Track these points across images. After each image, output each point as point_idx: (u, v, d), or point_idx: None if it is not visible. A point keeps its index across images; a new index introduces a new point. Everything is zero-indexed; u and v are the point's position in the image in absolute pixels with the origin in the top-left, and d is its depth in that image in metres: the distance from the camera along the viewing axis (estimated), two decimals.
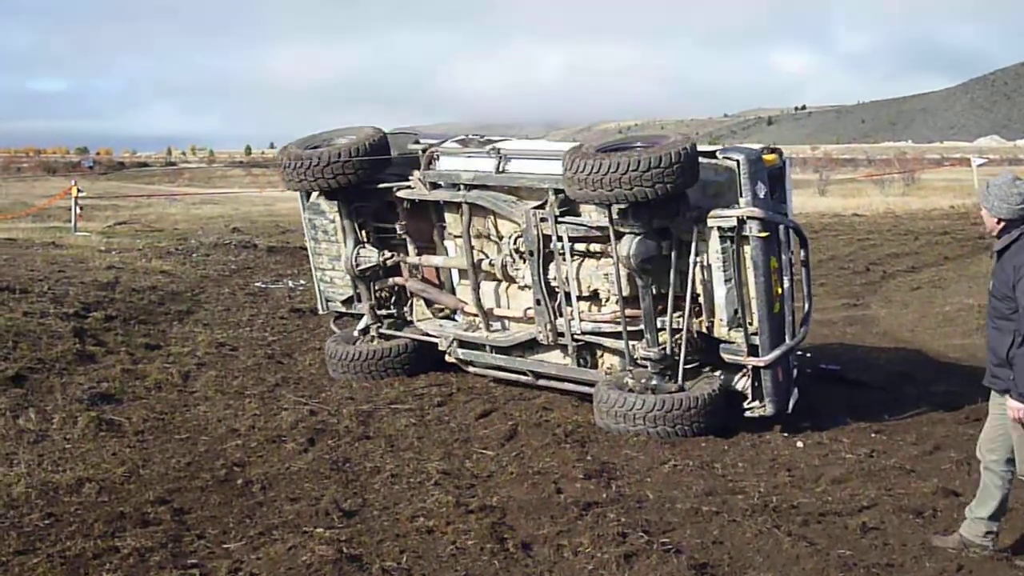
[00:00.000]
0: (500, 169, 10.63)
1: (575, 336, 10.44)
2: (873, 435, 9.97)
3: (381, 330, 11.98)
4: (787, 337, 9.76)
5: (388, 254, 11.66)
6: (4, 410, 9.88)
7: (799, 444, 9.59)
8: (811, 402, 11.18)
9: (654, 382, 9.81)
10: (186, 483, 8.30)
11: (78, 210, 27.30)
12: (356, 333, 12.03)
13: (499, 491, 8.20)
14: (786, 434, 9.87)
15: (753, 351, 9.63)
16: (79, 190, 27.97)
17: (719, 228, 9.40)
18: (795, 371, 10.30)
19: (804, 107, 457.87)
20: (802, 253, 9.97)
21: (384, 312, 12.07)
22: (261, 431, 9.75)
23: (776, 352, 9.57)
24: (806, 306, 10.10)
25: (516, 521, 7.53)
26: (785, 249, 9.62)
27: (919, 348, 14.08)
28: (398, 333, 11.91)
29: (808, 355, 13.58)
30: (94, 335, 13.07)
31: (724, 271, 9.52)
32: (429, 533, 7.27)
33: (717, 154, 9.64)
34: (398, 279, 11.90)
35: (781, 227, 9.58)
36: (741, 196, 9.33)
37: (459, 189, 10.83)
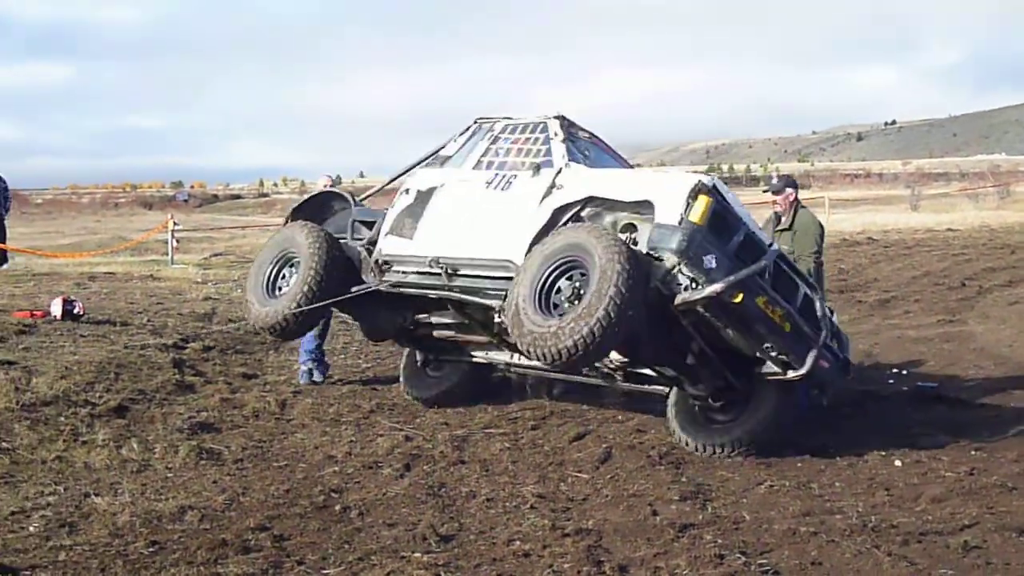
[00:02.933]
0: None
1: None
2: (973, 453, 9.84)
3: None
4: (818, 336, 9.37)
5: None
6: (108, 441, 10.08)
7: (897, 463, 9.49)
8: (908, 421, 11.10)
9: None
10: (285, 510, 8.41)
11: (174, 243, 27.82)
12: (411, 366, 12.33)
13: (594, 514, 8.21)
14: (883, 453, 9.78)
15: (786, 366, 9.42)
16: (175, 223, 28.51)
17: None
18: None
19: (894, 122, 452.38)
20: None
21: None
22: (357, 457, 9.86)
23: (809, 360, 9.25)
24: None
25: (612, 544, 7.54)
26: (768, 279, 9.23)
27: (1018, 364, 13.86)
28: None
29: (904, 373, 13.49)
30: (192, 365, 13.29)
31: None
32: (526, 556, 7.30)
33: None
34: None
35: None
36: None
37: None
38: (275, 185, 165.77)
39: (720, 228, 8.82)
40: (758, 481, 8.93)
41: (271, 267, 11.31)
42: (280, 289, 11.20)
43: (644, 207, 8.96)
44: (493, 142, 10.52)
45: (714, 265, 8.60)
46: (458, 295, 9.98)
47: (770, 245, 9.35)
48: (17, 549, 7.49)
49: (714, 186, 8.90)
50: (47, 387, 11.22)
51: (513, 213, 9.67)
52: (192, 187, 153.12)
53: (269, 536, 7.74)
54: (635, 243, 8.92)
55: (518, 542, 7.57)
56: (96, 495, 8.72)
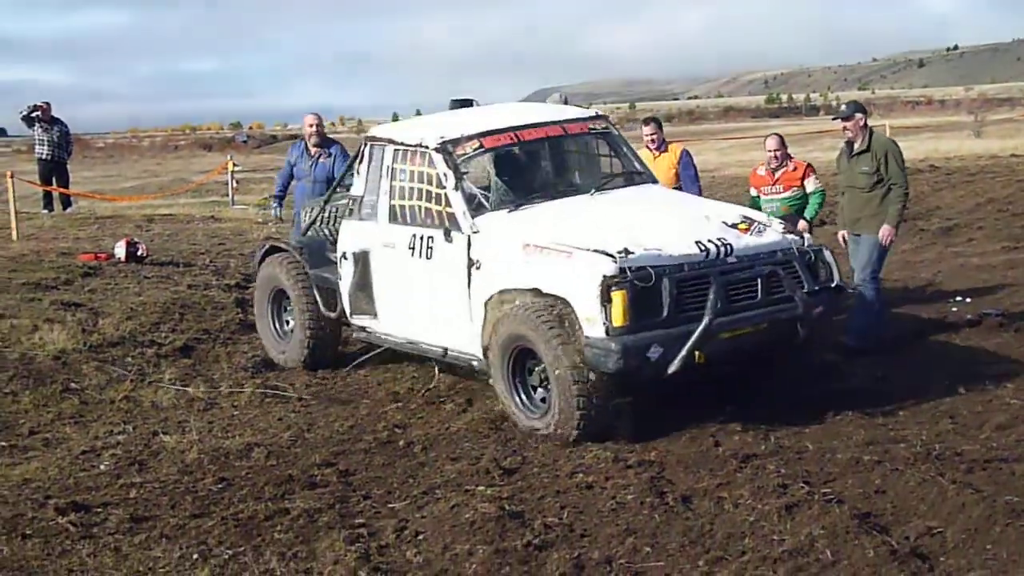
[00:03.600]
0: None
1: None
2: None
3: None
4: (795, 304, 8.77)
5: None
6: (175, 379, 10.24)
7: (961, 391, 9.41)
8: (972, 348, 11.00)
9: None
10: (350, 446, 8.52)
11: (234, 184, 27.98)
12: None
13: (657, 446, 8.24)
14: (947, 381, 9.70)
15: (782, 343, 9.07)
16: (235, 164, 28.63)
17: None
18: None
19: (956, 47, 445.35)
20: None
21: None
22: (419, 393, 9.95)
23: (802, 332, 8.82)
24: None
25: (675, 475, 7.57)
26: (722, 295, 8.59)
27: None
28: None
29: (968, 300, 13.34)
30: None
31: None
32: (588, 488, 7.35)
33: None
34: None
35: None
36: None
37: None
38: (332, 124, 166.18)
39: (648, 302, 8.22)
40: (821, 411, 8.89)
41: (269, 307, 11.27)
42: (288, 324, 11.20)
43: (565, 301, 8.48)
44: (392, 177, 9.89)
45: (660, 351, 8.15)
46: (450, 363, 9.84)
47: (707, 254, 8.57)
48: (89, 487, 7.66)
49: (621, 268, 8.17)
50: (113, 328, 11.42)
51: (449, 296, 9.30)
52: (251, 128, 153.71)
53: (335, 471, 7.85)
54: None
55: (581, 474, 7.62)
56: (164, 433, 8.89)
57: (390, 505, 7.20)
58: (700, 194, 11.91)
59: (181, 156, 63.35)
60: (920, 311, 12.94)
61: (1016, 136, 41.05)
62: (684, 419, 8.75)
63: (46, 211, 22.13)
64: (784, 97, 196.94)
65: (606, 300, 8.08)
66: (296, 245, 11.06)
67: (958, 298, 13.58)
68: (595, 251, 8.34)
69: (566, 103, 13.72)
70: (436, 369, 10.22)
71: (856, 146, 11.16)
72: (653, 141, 12.28)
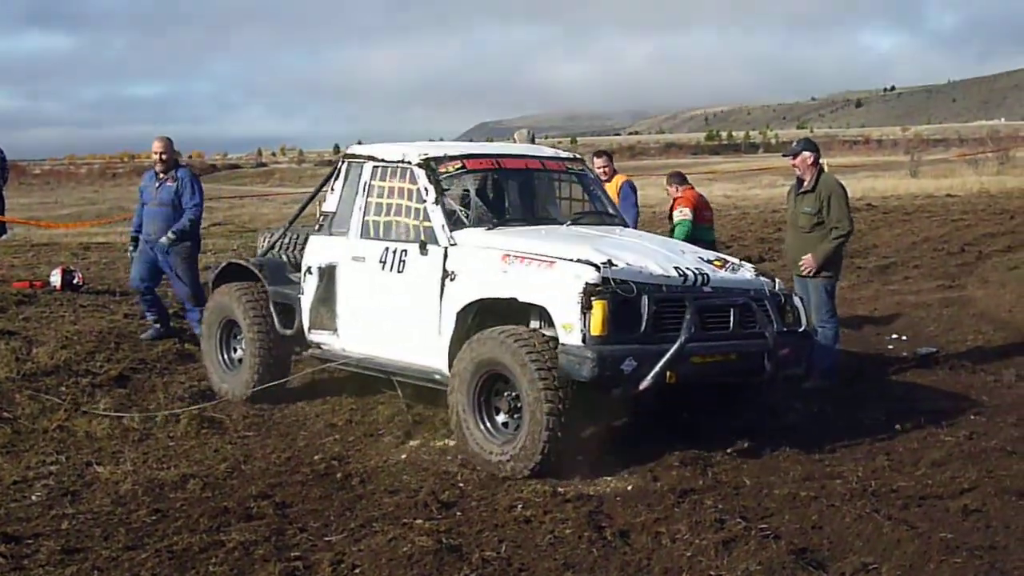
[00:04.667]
0: None
1: None
2: (973, 417, 9.88)
3: None
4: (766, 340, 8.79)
5: None
6: (110, 409, 10.11)
7: (897, 427, 9.50)
8: (908, 386, 11.13)
9: None
10: (287, 478, 8.43)
11: None
12: None
13: (595, 481, 8.23)
14: (883, 418, 9.80)
15: (750, 376, 9.12)
16: None
17: None
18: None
19: (893, 88, 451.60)
20: None
21: None
22: (358, 425, 9.88)
23: (768, 366, 8.78)
24: None
25: (613, 509, 7.57)
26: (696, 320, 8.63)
27: (1018, 329, 13.88)
28: None
29: (904, 338, 13.51)
30: (193, 335, 13.29)
31: None
32: (527, 523, 7.32)
33: None
34: None
35: None
36: None
37: None
38: (273, 155, 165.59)
39: (626, 316, 8.24)
40: (758, 447, 8.93)
41: (217, 336, 11.10)
42: (236, 353, 11.04)
43: (542, 310, 8.53)
44: (368, 193, 9.88)
45: (634, 364, 8.14)
46: (405, 380, 9.77)
47: (686, 280, 8.65)
48: (20, 518, 7.52)
49: (604, 278, 8.21)
50: (48, 357, 11.26)
51: (418, 309, 9.24)
52: (190, 156, 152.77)
53: (271, 503, 7.75)
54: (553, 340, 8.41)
55: (519, 508, 7.60)
56: (98, 464, 8.76)
57: (327, 538, 7.12)
58: (635, 223, 12.03)
59: (119, 184, 62.80)
60: (858, 348, 13.08)
61: (950, 176, 41.74)
62: (622, 454, 8.77)
63: None
64: (724, 134, 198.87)
65: (587, 308, 8.10)
66: (256, 263, 10.98)
67: (895, 335, 13.76)
68: (579, 261, 8.42)
69: (533, 140, 13.93)
70: (400, 392, 10.04)
71: (804, 185, 11.24)
72: (605, 173, 12.49)
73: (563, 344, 8.20)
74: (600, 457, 8.69)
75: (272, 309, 10.52)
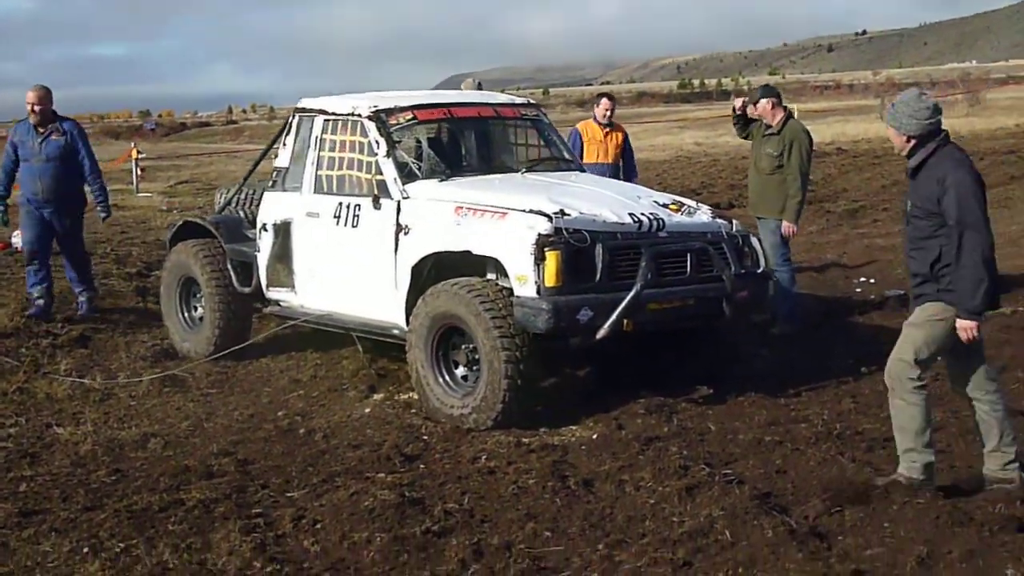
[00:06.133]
0: None
1: None
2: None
3: None
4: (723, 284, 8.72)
5: None
6: (70, 370, 10.01)
7: (863, 370, 9.47)
8: (875, 329, 11.10)
9: None
10: (249, 435, 8.38)
11: (139, 172, 27.52)
12: None
13: (560, 430, 8.19)
14: (850, 361, 9.76)
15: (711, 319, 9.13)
16: (139, 152, 28.19)
17: None
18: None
19: (864, 32, 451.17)
20: None
21: None
22: (323, 381, 9.81)
23: (727, 309, 8.73)
24: None
25: (578, 459, 7.53)
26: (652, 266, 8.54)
27: None
28: None
29: (872, 281, 13.49)
30: (156, 293, 13.15)
31: None
32: (491, 474, 7.28)
33: None
34: None
35: None
36: None
37: None
38: (243, 112, 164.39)
39: (581, 265, 8.17)
40: (724, 393, 8.89)
41: (177, 295, 10.95)
42: (196, 311, 10.89)
43: (496, 262, 8.45)
44: (320, 148, 9.73)
45: (590, 314, 8.10)
46: (365, 335, 9.70)
47: (640, 226, 8.54)
48: None
49: (557, 228, 8.12)
50: (7, 319, 11.16)
51: (374, 264, 9.12)
52: (160, 116, 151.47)
53: (233, 461, 7.69)
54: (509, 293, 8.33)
55: (483, 459, 7.56)
56: (58, 425, 8.70)
57: (288, 494, 7.05)
58: (637, 177, 12.13)
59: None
60: (825, 292, 13.06)
61: None
62: (587, 403, 8.72)
63: None
64: (696, 82, 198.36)
65: (540, 259, 8.03)
66: (212, 221, 10.83)
67: (863, 279, 13.74)
68: (531, 211, 8.33)
69: (479, 88, 13.73)
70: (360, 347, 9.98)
71: (769, 128, 11.16)
72: (608, 116, 12.46)
73: (518, 296, 8.13)
74: (564, 407, 8.66)
75: (229, 267, 10.39)
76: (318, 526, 6.47)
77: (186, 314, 10.91)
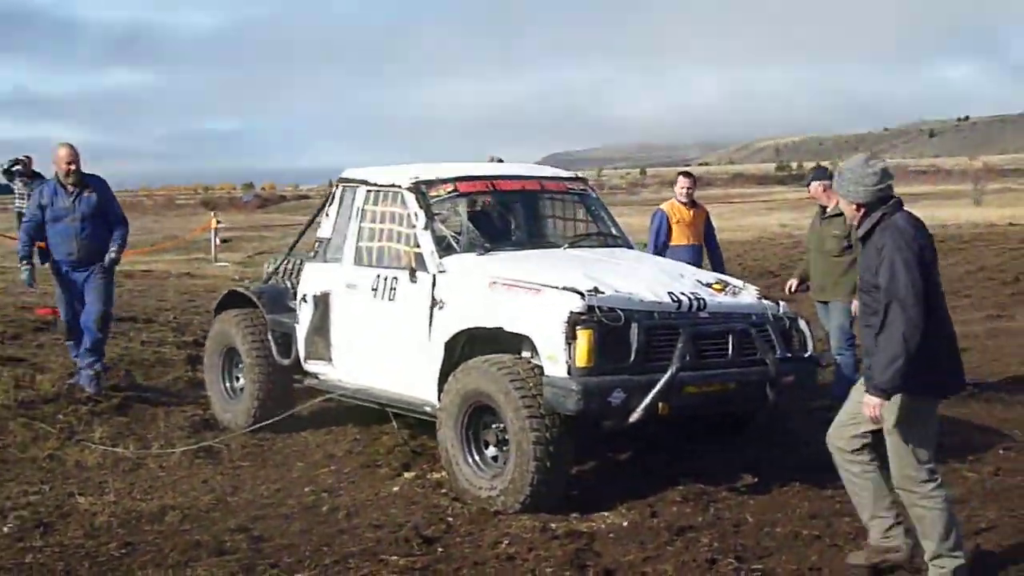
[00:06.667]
0: None
1: None
2: (1001, 452, 9.37)
3: None
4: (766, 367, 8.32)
5: None
6: (105, 438, 9.88)
7: None
8: (940, 418, 10.58)
9: None
10: (271, 511, 8.14)
11: (217, 241, 27.74)
12: None
13: (591, 516, 7.86)
14: None
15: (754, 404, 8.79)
16: (218, 221, 28.44)
17: None
18: None
19: (967, 117, 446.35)
20: None
21: None
22: (358, 456, 9.57)
23: (771, 395, 8.34)
24: None
25: (603, 547, 7.19)
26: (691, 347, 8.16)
27: None
28: None
29: None
30: None
31: None
32: (510, 560, 6.98)
33: None
34: None
35: None
36: None
37: None
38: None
39: (614, 345, 7.81)
40: (768, 482, 8.49)
41: (220, 364, 10.80)
42: (238, 381, 10.70)
43: (527, 339, 8.12)
44: (361, 219, 9.58)
45: (623, 396, 7.72)
46: (399, 411, 9.41)
47: (680, 305, 8.19)
48: None
49: (590, 306, 7.78)
50: (50, 384, 11.05)
51: (408, 338, 8.86)
52: (263, 188, 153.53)
53: (247, 537, 7.45)
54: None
55: (504, 544, 7.24)
56: (80, 495, 8.51)
57: (297, 575, 6.81)
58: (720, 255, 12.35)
59: (182, 214, 63.07)
60: None
61: (1016, 205, 40.82)
62: (625, 488, 8.36)
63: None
64: (794, 164, 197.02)
65: (571, 337, 7.69)
66: (255, 291, 10.73)
67: None
68: (564, 288, 8.02)
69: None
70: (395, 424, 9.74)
71: (829, 209, 10.82)
72: (688, 194, 12.23)
73: (548, 376, 7.81)
74: (599, 491, 8.33)
75: (270, 337, 10.23)
76: None
77: (228, 384, 10.75)
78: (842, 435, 6.50)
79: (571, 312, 7.77)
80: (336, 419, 10.60)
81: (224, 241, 28.35)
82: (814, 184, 10.92)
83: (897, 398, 6.13)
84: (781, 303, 8.87)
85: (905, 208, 6.30)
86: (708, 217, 12.50)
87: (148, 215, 57.26)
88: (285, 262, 10.89)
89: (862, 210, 6.19)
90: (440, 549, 7.22)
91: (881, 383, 5.98)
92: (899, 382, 5.98)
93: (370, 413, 10.14)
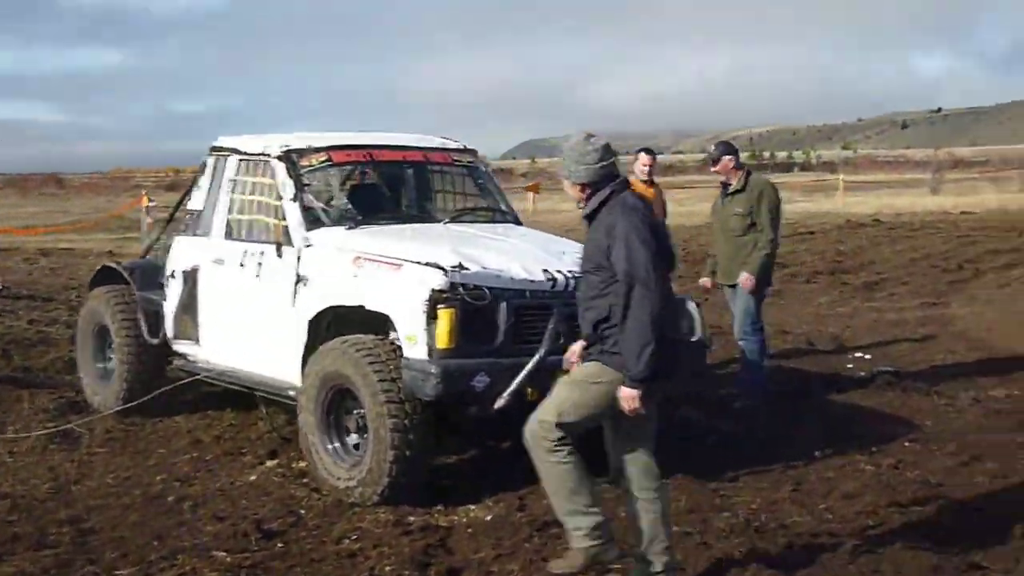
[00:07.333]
0: None
1: None
2: (907, 444, 8.85)
3: None
4: None
5: None
6: None
7: (817, 453, 8.51)
8: (850, 408, 10.13)
9: None
10: (113, 500, 7.56)
11: (148, 220, 26.99)
12: None
13: (456, 509, 7.29)
14: (808, 443, 8.78)
15: None
16: (151, 199, 27.60)
17: None
18: None
19: (939, 109, 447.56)
20: None
21: None
22: (226, 442, 8.98)
23: None
24: None
25: (457, 543, 6.65)
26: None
27: (992, 348, 12.84)
28: None
29: (868, 357, 12.52)
30: None
31: None
32: (350, 557, 6.42)
33: None
34: None
35: None
36: None
37: None
38: None
39: (480, 325, 7.29)
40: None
41: (92, 344, 10.18)
42: (111, 361, 10.00)
43: (387, 319, 7.53)
44: (232, 189, 9.00)
45: (487, 381, 7.16)
46: (265, 394, 8.76)
47: (554, 284, 7.59)
48: None
49: (452, 283, 7.19)
50: None
51: (274, 316, 8.26)
52: None
53: (74, 530, 6.90)
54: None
55: (350, 540, 6.69)
56: None
57: (115, 571, 6.22)
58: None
59: (136, 194, 62.09)
60: (812, 367, 12.08)
61: (971, 194, 40.45)
62: (499, 479, 7.77)
63: None
64: (767, 154, 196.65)
65: (431, 317, 7.12)
66: (126, 266, 10.11)
67: (858, 354, 12.75)
68: (426, 264, 7.41)
69: None
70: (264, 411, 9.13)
71: (731, 187, 10.27)
72: (648, 172, 11.60)
73: (407, 358, 7.23)
74: (470, 482, 7.79)
75: (140, 315, 9.62)
76: None
77: (100, 365, 10.12)
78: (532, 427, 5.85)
79: (432, 290, 7.18)
80: (217, 403, 9.96)
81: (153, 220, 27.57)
82: (724, 159, 10.31)
83: (599, 366, 5.64)
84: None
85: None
86: (663, 198, 11.82)
87: (103, 195, 56.30)
88: (159, 237, 10.26)
89: (587, 190, 5.68)
90: (280, 544, 6.66)
91: (637, 373, 5.44)
92: (654, 367, 5.45)
93: (252, 398, 9.51)
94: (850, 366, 12.12)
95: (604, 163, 5.63)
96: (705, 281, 10.74)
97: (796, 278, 19.23)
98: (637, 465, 5.84)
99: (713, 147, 10.56)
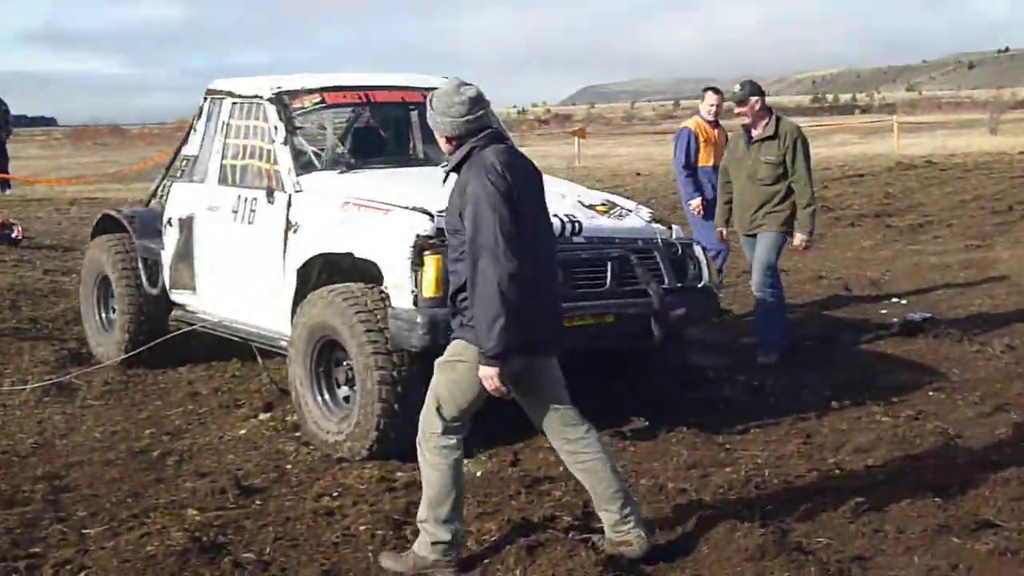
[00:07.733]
0: None
1: None
2: (931, 393, 8.44)
3: None
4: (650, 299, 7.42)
5: None
6: None
7: (834, 404, 8.13)
8: (876, 355, 9.71)
9: None
10: (96, 455, 7.34)
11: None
12: None
13: None
14: (827, 393, 8.42)
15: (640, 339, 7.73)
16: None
17: None
18: None
19: (1007, 49, 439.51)
20: None
21: None
22: (223, 395, 8.74)
23: (656, 331, 7.40)
24: None
25: None
26: None
27: None
28: None
29: (904, 302, 12.09)
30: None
31: None
32: (328, 515, 6.14)
33: None
34: None
35: None
36: None
37: None
38: None
39: None
40: (657, 425, 7.57)
41: (94, 294, 9.94)
42: (114, 312, 9.74)
43: (375, 266, 7.23)
44: (226, 133, 8.72)
45: None
46: (259, 345, 8.50)
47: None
48: None
49: (440, 228, 6.57)
50: None
51: (266, 265, 7.99)
52: None
53: (49, 487, 6.69)
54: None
55: (329, 497, 6.40)
56: None
57: (84, 531, 5.98)
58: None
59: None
60: (844, 313, 11.65)
61: None
62: (497, 432, 7.41)
63: None
64: (830, 97, 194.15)
65: (417, 264, 6.82)
66: (127, 214, 9.87)
67: (894, 299, 12.30)
68: (413, 208, 7.11)
69: None
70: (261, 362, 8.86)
71: (757, 132, 9.73)
72: (715, 112, 11.38)
73: (393, 307, 6.92)
74: (471, 436, 7.43)
75: (140, 265, 9.38)
76: (82, 574, 5.39)
77: (103, 315, 9.91)
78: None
79: (418, 236, 6.87)
80: (224, 354, 9.68)
81: None
82: (752, 99, 9.72)
83: (460, 343, 5.28)
84: (675, 227, 7.93)
85: (508, 143, 5.37)
86: (727, 140, 11.30)
87: (156, 145, 56.29)
88: (160, 183, 10.00)
89: (452, 143, 5.27)
90: (257, 502, 6.42)
91: (489, 349, 5.01)
92: (508, 341, 5.02)
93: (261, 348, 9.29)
94: (884, 311, 11.67)
95: (471, 116, 5.19)
96: (721, 231, 10.24)
97: (840, 221, 18.70)
98: (555, 419, 5.48)
99: (739, 86, 9.93)
